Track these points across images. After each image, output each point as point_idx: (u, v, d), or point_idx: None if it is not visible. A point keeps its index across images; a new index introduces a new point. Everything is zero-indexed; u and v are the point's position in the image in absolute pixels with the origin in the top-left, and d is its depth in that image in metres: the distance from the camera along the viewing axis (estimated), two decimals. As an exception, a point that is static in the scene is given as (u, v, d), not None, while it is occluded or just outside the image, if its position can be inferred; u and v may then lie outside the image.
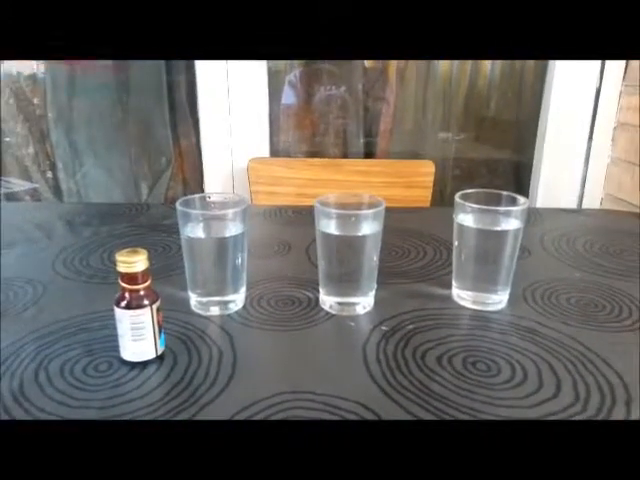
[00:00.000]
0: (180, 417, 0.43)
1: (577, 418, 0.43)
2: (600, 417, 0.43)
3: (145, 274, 0.48)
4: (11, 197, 1.61)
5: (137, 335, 0.48)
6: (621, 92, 1.36)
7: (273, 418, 0.42)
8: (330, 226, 0.57)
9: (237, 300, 0.60)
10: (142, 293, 0.48)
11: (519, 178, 1.60)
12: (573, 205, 1.48)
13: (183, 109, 1.53)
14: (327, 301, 0.60)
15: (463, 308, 0.61)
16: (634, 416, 0.43)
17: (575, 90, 1.38)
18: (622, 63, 1.33)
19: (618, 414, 0.43)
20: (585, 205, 1.47)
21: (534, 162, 1.50)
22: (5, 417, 0.42)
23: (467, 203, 0.59)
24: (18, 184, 1.62)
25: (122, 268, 0.47)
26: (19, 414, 0.43)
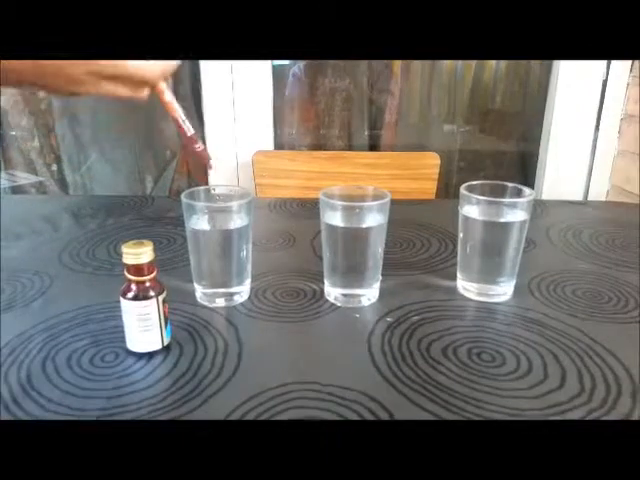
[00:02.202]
0: (186, 407, 0.43)
1: (582, 409, 0.43)
2: (605, 408, 0.43)
3: (151, 266, 0.48)
4: (17, 190, 1.62)
5: (143, 326, 0.48)
6: (628, 83, 1.35)
7: (278, 408, 0.43)
8: (335, 218, 0.57)
9: (242, 292, 0.60)
10: (148, 285, 0.48)
11: (525, 170, 1.59)
12: (579, 197, 1.47)
13: (187, 101, 1.53)
14: (332, 293, 0.60)
15: (468, 300, 0.61)
16: (639, 407, 0.43)
17: (581, 81, 1.37)
18: (629, 54, 1.32)
19: (623, 406, 0.43)
20: (591, 197, 1.46)
21: (540, 154, 1.50)
22: (13, 407, 0.43)
23: (472, 195, 0.59)
24: (24, 177, 1.62)
25: (128, 260, 0.47)
26: (27, 404, 0.43)
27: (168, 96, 0.48)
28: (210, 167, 0.52)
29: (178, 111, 0.49)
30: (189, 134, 0.50)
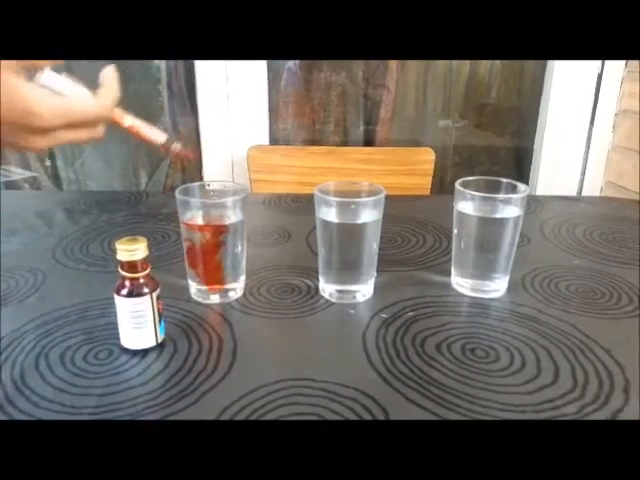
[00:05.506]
0: (181, 404, 0.43)
1: (575, 404, 0.43)
2: (598, 403, 0.43)
3: (145, 262, 0.48)
4: (10, 185, 1.61)
5: (137, 323, 0.48)
6: (623, 78, 1.35)
7: (273, 405, 0.43)
8: (330, 214, 0.57)
9: (237, 288, 0.60)
10: (142, 281, 0.48)
11: (519, 165, 1.60)
12: (573, 192, 1.48)
13: (182, 96, 1.52)
14: (327, 289, 0.60)
15: (462, 295, 0.61)
16: (633, 403, 0.43)
17: (576, 76, 1.38)
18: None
19: (616, 401, 0.44)
20: (585, 192, 1.46)
21: (534, 149, 1.50)
22: (6, 405, 0.43)
23: (467, 190, 0.59)
24: (17, 172, 1.61)
25: (122, 256, 0.47)
26: (20, 402, 0.43)
27: (127, 121, 0.47)
28: (192, 157, 0.52)
29: (142, 129, 0.48)
30: (161, 142, 0.49)
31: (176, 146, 0.50)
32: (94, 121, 0.45)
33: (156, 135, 0.48)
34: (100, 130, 0.46)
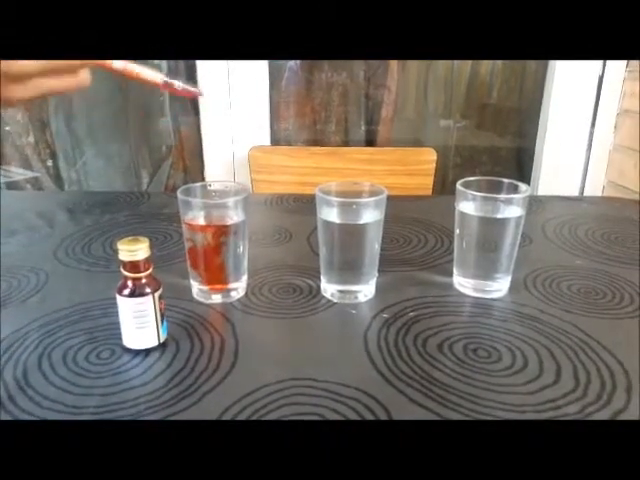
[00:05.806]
0: (183, 404, 0.43)
1: (577, 404, 0.43)
2: (600, 403, 0.43)
3: (147, 262, 0.48)
4: (12, 186, 1.61)
5: (139, 323, 0.48)
6: (624, 78, 1.35)
7: (275, 405, 0.43)
8: (332, 214, 0.57)
9: (239, 288, 0.60)
10: (144, 281, 0.48)
11: (521, 165, 1.60)
12: (575, 192, 1.48)
13: (183, 96, 1.53)
14: (328, 289, 0.60)
15: (464, 295, 0.61)
16: (635, 402, 0.43)
17: (578, 76, 1.37)
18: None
19: (618, 401, 0.44)
20: (587, 192, 1.46)
21: (536, 149, 1.50)
22: (9, 404, 0.43)
23: (469, 191, 0.59)
24: (19, 173, 1.61)
25: (124, 256, 0.47)
26: (22, 401, 0.43)
27: (117, 63, 0.43)
28: (201, 94, 0.48)
29: (137, 69, 0.44)
30: (162, 82, 0.45)
31: (179, 84, 0.46)
32: (75, 65, 0.42)
33: (153, 75, 0.45)
34: (84, 76, 0.43)
